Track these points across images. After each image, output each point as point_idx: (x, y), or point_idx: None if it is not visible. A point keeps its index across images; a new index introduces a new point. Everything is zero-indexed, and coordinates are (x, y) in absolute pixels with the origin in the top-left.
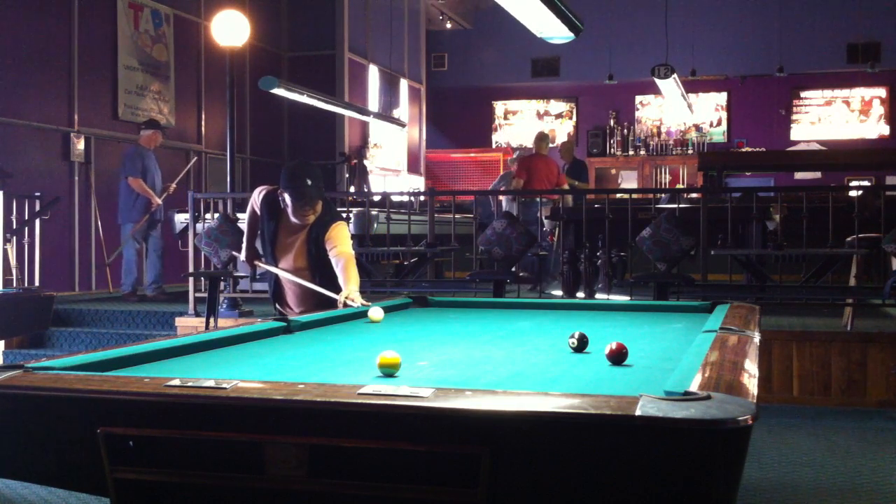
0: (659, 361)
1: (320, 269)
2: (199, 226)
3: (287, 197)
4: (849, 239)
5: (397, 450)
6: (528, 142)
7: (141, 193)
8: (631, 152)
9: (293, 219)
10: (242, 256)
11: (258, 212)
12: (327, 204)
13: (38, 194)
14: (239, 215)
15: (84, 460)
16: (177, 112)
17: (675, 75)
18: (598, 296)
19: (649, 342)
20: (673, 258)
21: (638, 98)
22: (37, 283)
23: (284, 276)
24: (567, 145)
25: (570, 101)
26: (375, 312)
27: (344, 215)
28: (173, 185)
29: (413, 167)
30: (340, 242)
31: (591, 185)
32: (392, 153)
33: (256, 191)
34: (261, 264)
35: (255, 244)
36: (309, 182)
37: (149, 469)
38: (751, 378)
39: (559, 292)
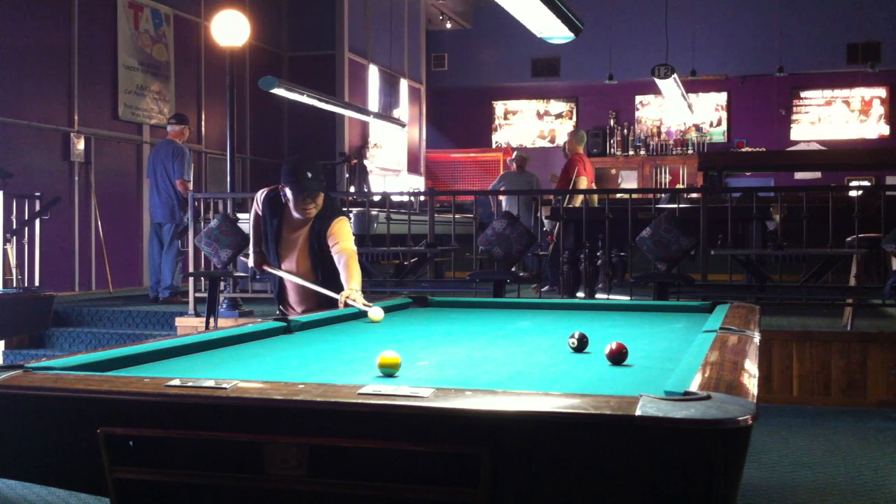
0: (659, 361)
1: (322, 265)
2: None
3: (288, 191)
4: (849, 239)
5: (397, 450)
6: (528, 142)
7: (185, 194)
8: (631, 152)
9: (295, 214)
10: (251, 262)
11: (261, 213)
12: (329, 199)
13: (38, 194)
14: (239, 215)
15: (84, 460)
16: (177, 112)
17: (675, 75)
18: (598, 296)
19: (649, 342)
20: (673, 258)
21: (638, 98)
22: (37, 283)
23: (291, 279)
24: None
25: (570, 101)
26: (375, 312)
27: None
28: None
29: (413, 167)
30: (343, 238)
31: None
32: (392, 153)
33: (258, 193)
34: (269, 269)
35: (262, 249)
36: (309, 175)
37: (149, 469)
38: (751, 378)
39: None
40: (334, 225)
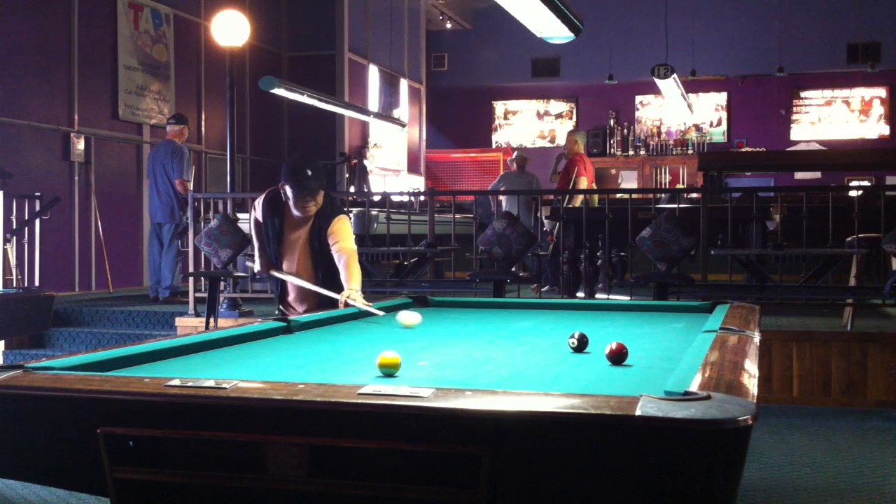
0: (659, 361)
1: (323, 264)
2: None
3: (288, 189)
4: (849, 239)
5: (397, 450)
6: (528, 142)
7: (184, 195)
8: (631, 152)
9: (295, 212)
10: (257, 267)
11: (260, 217)
12: (329, 197)
13: (38, 194)
14: (239, 215)
15: (84, 460)
16: (177, 112)
17: (674, 75)
18: (598, 296)
19: (649, 342)
20: (673, 258)
21: (638, 98)
22: (37, 283)
23: (297, 283)
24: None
25: (570, 101)
26: (409, 317)
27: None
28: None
29: (413, 167)
30: (343, 237)
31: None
32: (392, 153)
33: (256, 200)
34: (276, 273)
35: (267, 254)
36: (309, 173)
37: (149, 469)
38: (751, 378)
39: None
40: (335, 224)
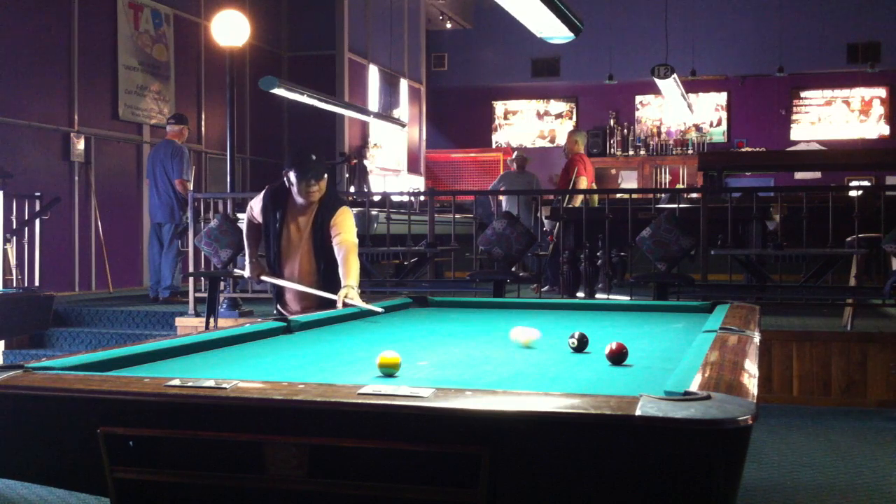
0: (659, 361)
1: (325, 257)
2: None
3: (292, 174)
4: (849, 239)
5: (397, 450)
6: (528, 142)
7: (184, 195)
8: (631, 152)
9: (299, 199)
10: (247, 273)
11: (259, 213)
12: (333, 188)
13: (38, 194)
14: (239, 215)
15: (84, 460)
16: (177, 112)
17: (674, 75)
18: (598, 296)
19: (649, 342)
20: (673, 258)
21: (638, 98)
22: (37, 283)
23: (288, 285)
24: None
25: (570, 101)
26: (526, 334)
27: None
28: (190, 184)
29: (413, 167)
30: (345, 229)
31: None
32: (392, 153)
33: (253, 200)
34: (267, 278)
35: (257, 259)
36: (313, 157)
37: (149, 469)
38: (751, 378)
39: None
40: (338, 216)
